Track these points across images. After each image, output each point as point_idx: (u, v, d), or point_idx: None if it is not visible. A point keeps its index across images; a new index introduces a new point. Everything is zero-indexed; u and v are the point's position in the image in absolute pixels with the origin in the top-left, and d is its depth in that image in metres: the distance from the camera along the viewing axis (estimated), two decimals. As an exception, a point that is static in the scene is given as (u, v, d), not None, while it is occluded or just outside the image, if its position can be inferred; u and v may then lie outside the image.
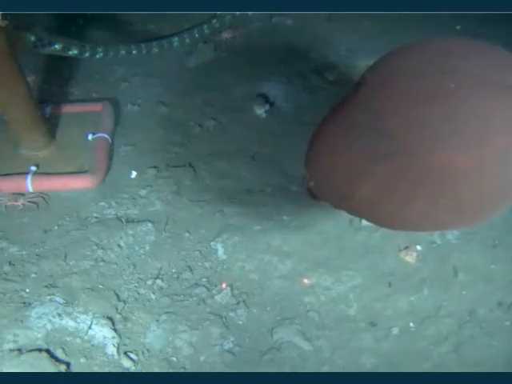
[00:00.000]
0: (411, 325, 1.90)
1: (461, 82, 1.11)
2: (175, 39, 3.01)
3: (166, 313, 1.91)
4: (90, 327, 1.83)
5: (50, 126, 2.45)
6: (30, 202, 2.23)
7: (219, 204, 2.26)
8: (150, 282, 2.00)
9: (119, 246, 2.09)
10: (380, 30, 3.08)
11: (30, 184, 2.25)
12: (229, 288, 1.98)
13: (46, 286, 1.95)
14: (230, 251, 2.09)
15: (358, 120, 1.23)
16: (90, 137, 2.45)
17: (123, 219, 2.19)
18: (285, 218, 2.20)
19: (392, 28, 3.07)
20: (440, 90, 1.11)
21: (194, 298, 1.95)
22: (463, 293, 1.96)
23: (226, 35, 3.07)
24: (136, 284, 1.99)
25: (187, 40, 3.03)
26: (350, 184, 1.25)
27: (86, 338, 1.81)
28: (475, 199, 1.14)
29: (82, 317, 1.86)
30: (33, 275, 1.98)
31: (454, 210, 1.16)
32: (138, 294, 1.96)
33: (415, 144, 1.11)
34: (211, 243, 2.12)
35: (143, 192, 2.31)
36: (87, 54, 2.48)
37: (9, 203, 2.21)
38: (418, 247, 2.07)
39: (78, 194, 2.28)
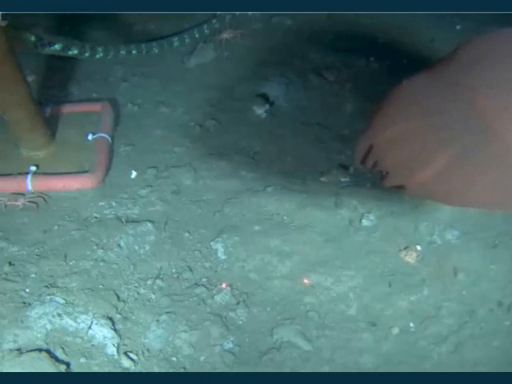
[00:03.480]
0: (411, 325, 1.89)
1: None
2: (175, 39, 3.01)
3: (166, 313, 1.91)
4: (89, 327, 1.83)
5: (50, 126, 2.44)
6: (29, 201, 2.22)
7: (219, 204, 2.26)
8: (150, 282, 1.99)
9: (119, 246, 2.09)
10: (380, 29, 3.08)
11: (29, 184, 2.25)
12: (229, 288, 1.98)
13: (46, 286, 1.94)
14: (230, 251, 2.09)
15: (446, 91, 1.22)
16: (89, 137, 2.45)
17: (123, 219, 2.19)
18: (285, 218, 2.20)
19: (392, 27, 3.07)
20: None
21: (194, 298, 1.95)
22: (463, 293, 1.96)
23: (225, 35, 3.07)
24: (136, 284, 1.99)
25: (187, 40, 3.04)
26: (426, 153, 1.24)
27: (85, 338, 1.81)
28: None
29: (82, 317, 1.86)
30: (33, 275, 1.98)
31: None
32: (138, 294, 1.96)
33: (501, 128, 1.13)
34: (211, 243, 2.12)
35: (143, 192, 2.31)
36: (87, 54, 2.48)
37: (9, 203, 2.21)
38: (418, 247, 2.07)
39: (78, 194, 2.28)
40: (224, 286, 1.99)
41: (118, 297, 1.94)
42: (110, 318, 1.87)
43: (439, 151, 1.22)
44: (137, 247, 2.10)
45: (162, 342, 1.83)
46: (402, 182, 1.33)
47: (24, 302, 1.89)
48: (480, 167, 1.20)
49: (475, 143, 1.18)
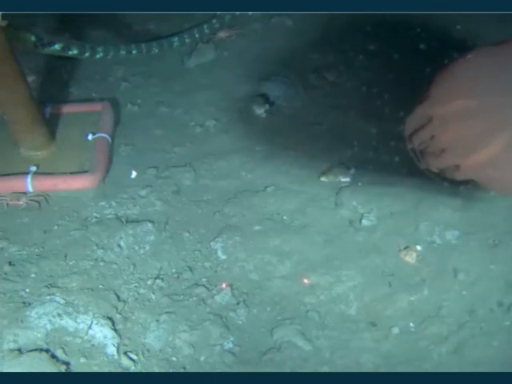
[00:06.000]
0: (411, 325, 1.89)
1: None
2: (175, 39, 3.01)
3: (166, 313, 1.91)
4: (90, 327, 1.83)
5: (50, 126, 2.45)
6: (31, 200, 2.22)
7: (219, 204, 2.26)
8: (149, 282, 1.99)
9: (119, 246, 2.09)
10: (380, 29, 3.08)
11: (29, 184, 2.25)
12: (229, 288, 1.98)
13: (46, 286, 1.94)
14: (230, 251, 2.09)
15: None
16: (89, 137, 2.45)
17: (123, 219, 2.19)
18: (285, 218, 2.20)
19: (392, 27, 3.07)
20: None
21: (194, 298, 1.95)
22: (463, 293, 1.96)
23: (221, 34, 3.07)
24: (136, 284, 1.99)
25: (187, 40, 3.04)
26: (484, 134, 1.17)
27: (85, 337, 1.81)
28: None
29: (82, 317, 1.86)
30: (33, 275, 1.98)
31: None
32: (138, 293, 1.96)
33: None
34: (211, 243, 2.12)
35: (143, 192, 2.31)
36: (87, 54, 2.48)
37: (11, 202, 2.21)
38: (418, 247, 2.07)
39: (78, 193, 2.28)
40: (224, 285, 1.99)
41: (118, 297, 1.94)
42: (110, 318, 1.87)
43: (497, 133, 1.17)
44: (137, 247, 2.10)
45: (162, 342, 1.83)
46: (457, 161, 1.24)
47: (24, 302, 1.89)
48: None
49: None
